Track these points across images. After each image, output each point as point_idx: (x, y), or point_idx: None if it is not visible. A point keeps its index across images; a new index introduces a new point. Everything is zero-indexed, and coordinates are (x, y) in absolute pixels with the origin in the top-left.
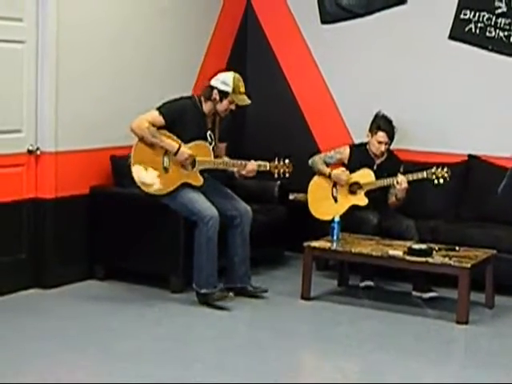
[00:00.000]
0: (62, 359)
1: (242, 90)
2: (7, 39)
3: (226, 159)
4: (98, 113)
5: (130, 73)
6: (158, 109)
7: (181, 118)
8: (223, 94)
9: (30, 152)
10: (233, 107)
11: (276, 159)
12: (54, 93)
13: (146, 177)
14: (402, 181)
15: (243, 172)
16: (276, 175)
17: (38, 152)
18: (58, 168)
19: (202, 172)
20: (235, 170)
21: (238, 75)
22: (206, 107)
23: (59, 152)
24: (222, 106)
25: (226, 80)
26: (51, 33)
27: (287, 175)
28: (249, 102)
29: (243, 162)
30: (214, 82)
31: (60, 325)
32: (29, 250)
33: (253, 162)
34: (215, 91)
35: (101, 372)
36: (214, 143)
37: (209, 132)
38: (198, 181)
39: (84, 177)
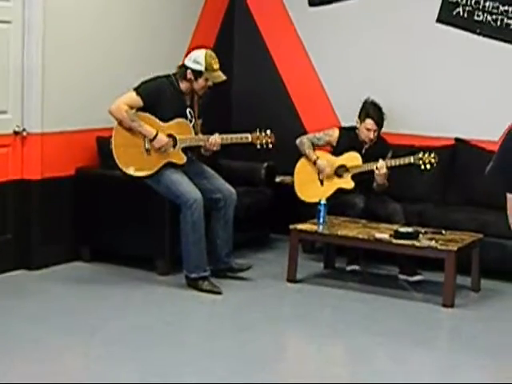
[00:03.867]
0: (48, 341)
1: (216, 66)
2: None
3: (206, 136)
4: (84, 94)
5: (117, 54)
6: (136, 89)
7: (159, 97)
8: (197, 73)
9: (15, 133)
10: (210, 84)
11: (257, 130)
12: (40, 74)
13: (129, 160)
14: (381, 167)
15: (207, 145)
16: (258, 146)
17: (24, 133)
18: (44, 149)
19: (185, 152)
20: (202, 144)
21: (210, 52)
22: (183, 86)
23: (45, 133)
24: (199, 84)
25: (197, 59)
26: (38, 13)
27: (270, 146)
28: (224, 77)
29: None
30: (186, 62)
31: (45, 307)
32: (14, 231)
33: (217, 135)
34: (189, 71)
35: (88, 355)
36: (193, 120)
37: (188, 109)
38: (181, 159)
39: (70, 158)
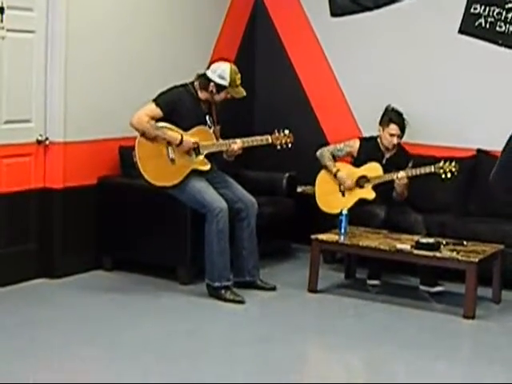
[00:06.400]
0: (70, 349)
1: (239, 82)
2: (17, 29)
3: (227, 140)
4: (106, 103)
5: (139, 63)
6: (154, 100)
7: (177, 106)
8: (220, 88)
9: (38, 142)
10: (229, 97)
11: (276, 131)
12: (63, 83)
13: (154, 171)
14: (401, 177)
15: (229, 150)
16: (279, 147)
17: (47, 142)
18: (67, 158)
19: (209, 159)
20: (224, 149)
21: (234, 67)
22: (202, 95)
23: (68, 142)
24: (219, 97)
25: (223, 74)
26: (61, 23)
27: (290, 145)
28: (244, 93)
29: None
30: (210, 75)
31: (67, 315)
32: (37, 240)
33: (238, 140)
34: (212, 84)
35: (109, 363)
36: (213, 127)
37: (207, 116)
38: (206, 165)
39: (92, 167)
